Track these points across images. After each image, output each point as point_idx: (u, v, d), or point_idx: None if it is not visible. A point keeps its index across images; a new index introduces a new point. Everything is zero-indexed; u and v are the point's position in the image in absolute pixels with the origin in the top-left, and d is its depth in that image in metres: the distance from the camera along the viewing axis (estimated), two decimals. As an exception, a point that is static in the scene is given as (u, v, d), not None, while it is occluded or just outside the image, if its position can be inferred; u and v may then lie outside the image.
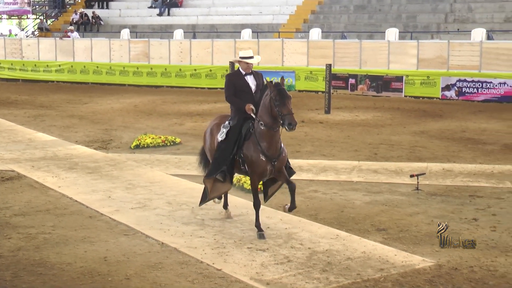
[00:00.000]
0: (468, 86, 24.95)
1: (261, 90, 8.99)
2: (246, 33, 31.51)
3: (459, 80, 25.06)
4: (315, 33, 30.08)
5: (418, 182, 11.61)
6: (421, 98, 25.47)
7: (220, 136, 9.16)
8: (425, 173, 12.21)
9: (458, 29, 30.21)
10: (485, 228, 9.34)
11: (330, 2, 35.12)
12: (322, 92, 24.46)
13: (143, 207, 10.53)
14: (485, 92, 24.49)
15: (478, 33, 26.74)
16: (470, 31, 27.76)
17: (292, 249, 8.47)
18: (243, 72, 9.25)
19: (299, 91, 27.94)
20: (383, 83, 26.60)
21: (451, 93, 25.18)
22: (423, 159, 14.17)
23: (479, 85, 24.72)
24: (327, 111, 21.61)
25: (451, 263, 7.88)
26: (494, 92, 24.42)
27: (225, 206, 9.98)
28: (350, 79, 27.34)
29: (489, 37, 26.88)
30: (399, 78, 26.25)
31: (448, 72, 25.45)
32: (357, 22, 33.29)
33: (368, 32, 31.76)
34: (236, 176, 12.02)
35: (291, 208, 9.10)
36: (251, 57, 9.16)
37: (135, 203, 10.78)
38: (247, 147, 8.95)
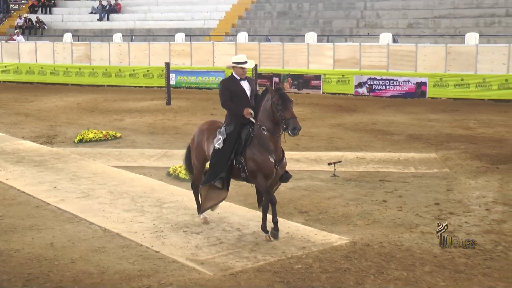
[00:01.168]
0: (378, 83, 25.44)
1: (260, 95, 8.15)
2: (180, 37, 31.30)
3: (370, 78, 25.53)
4: (242, 36, 30.10)
5: (335, 169, 11.78)
6: (337, 95, 25.84)
7: (217, 144, 8.22)
8: (341, 161, 12.38)
9: (368, 34, 30.76)
10: (393, 208, 9.55)
11: (255, 9, 35.24)
12: (249, 89, 24.55)
13: (87, 197, 10.35)
14: (392, 89, 25.02)
15: (386, 37, 27.30)
16: (379, 35, 28.33)
17: (223, 231, 8.48)
18: (238, 78, 8.36)
19: (229, 89, 27.91)
20: (303, 81, 26.86)
21: (363, 90, 25.63)
22: (339, 149, 14.37)
23: (387, 82, 25.24)
24: (254, 107, 21.65)
25: (364, 240, 8.03)
26: (400, 89, 24.98)
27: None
28: (274, 78, 27.44)
29: (394, 41, 27.47)
30: (317, 77, 26.56)
31: (360, 71, 25.88)
32: (279, 26, 33.50)
33: (289, 35, 31.99)
34: (172, 166, 12.02)
35: (274, 222, 8.04)
36: (245, 62, 8.35)
37: (79, 193, 10.59)
38: (251, 151, 8.02)
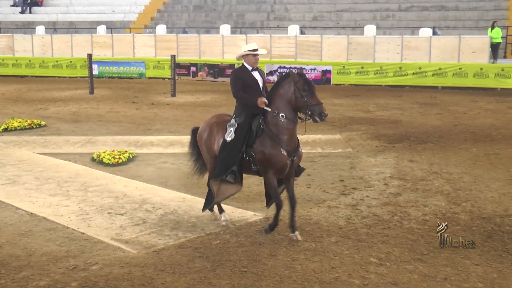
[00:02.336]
0: (287, 71, 25.68)
1: (278, 81, 7.27)
2: (101, 29, 30.54)
3: (280, 67, 25.73)
4: (161, 29, 29.68)
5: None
6: (250, 82, 25.91)
7: (229, 136, 7.27)
8: (254, 144, 12.42)
9: (278, 26, 30.99)
10: (302, 186, 9.69)
11: (173, 3, 34.81)
12: (169, 78, 24.35)
13: (13, 183, 9.95)
14: (300, 76, 25.33)
15: (294, 29, 27.60)
16: (287, 27, 28.62)
17: (146, 212, 8.37)
18: (249, 68, 7.44)
19: (149, 78, 27.55)
20: (219, 70, 26.77)
21: (274, 78, 25.79)
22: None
23: (296, 71, 25.50)
24: (173, 95, 21.45)
25: (276, 216, 8.10)
26: (307, 76, 25.29)
27: (221, 210, 7.93)
28: (191, 67, 27.25)
29: (301, 32, 27.80)
30: (232, 66, 26.48)
31: (271, 60, 26.04)
32: (196, 19, 33.26)
33: (205, 28, 31.83)
34: (96, 152, 11.75)
35: (292, 226, 7.25)
36: (256, 50, 7.44)
37: (5, 179, 10.17)
38: (262, 144, 7.09)
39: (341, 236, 7.30)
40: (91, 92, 22.34)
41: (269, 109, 7.10)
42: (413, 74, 23.92)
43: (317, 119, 6.96)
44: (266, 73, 25.88)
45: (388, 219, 7.95)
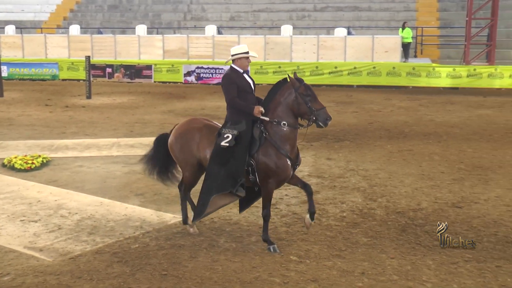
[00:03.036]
0: (205, 72, 25.64)
1: (274, 87, 6.91)
2: (10, 29, 29.44)
3: (198, 67, 25.66)
4: (75, 29, 28.93)
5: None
6: (167, 83, 25.69)
7: (226, 142, 6.76)
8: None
9: (195, 26, 30.88)
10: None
11: (86, 2, 33.99)
12: (84, 80, 23.75)
13: None
14: (218, 76, 25.31)
15: (211, 29, 27.59)
16: (204, 27, 28.56)
17: (62, 217, 8.13)
18: (241, 71, 7.04)
19: (63, 80, 26.78)
20: (135, 71, 26.37)
21: (192, 78, 25.72)
22: (171, 134, 14.29)
23: (214, 71, 25.52)
24: (89, 97, 20.94)
25: (196, 217, 8.06)
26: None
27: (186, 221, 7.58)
28: (107, 69, 26.70)
29: (219, 32, 27.83)
30: (148, 67, 26.21)
31: (189, 61, 25.92)
32: (111, 19, 32.62)
33: (121, 28, 31.28)
34: (7, 157, 11.30)
35: (311, 212, 7.02)
36: (247, 52, 7.07)
37: None
38: (266, 153, 6.74)
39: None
40: (1, 95, 21.47)
41: (266, 119, 6.81)
42: (329, 73, 24.44)
43: (322, 124, 6.69)
44: (184, 73, 25.75)
45: (307, 217, 8.07)
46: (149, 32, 29.12)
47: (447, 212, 8.25)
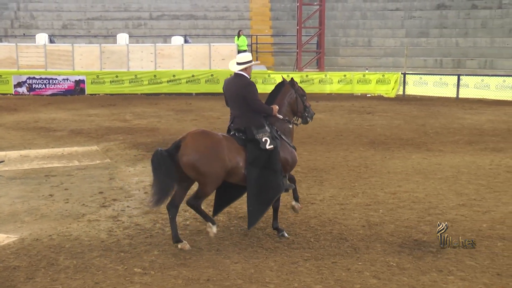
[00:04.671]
0: (37, 82, 24.47)
1: (275, 89, 7.74)
2: None
3: (29, 78, 24.44)
4: None
5: None
6: (-4, 95, 24.19)
7: (270, 145, 7.21)
8: (4, 161, 11.65)
9: (24, 34, 29.37)
10: (59, 201, 9.29)
11: None
12: None
13: None
14: (52, 87, 24.33)
15: (42, 37, 26.41)
16: (35, 35, 27.27)
17: None
18: (249, 77, 7.55)
19: None
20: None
21: (23, 89, 24.44)
22: (2, 148, 13.47)
23: (47, 81, 24.44)
24: None
25: (32, 235, 7.64)
26: (60, 87, 24.42)
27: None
28: None
29: (51, 41, 26.74)
30: (-27, 78, 24.50)
31: (19, 71, 24.61)
32: None
33: None
34: None
35: (297, 198, 8.01)
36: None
37: None
38: (283, 149, 7.47)
39: (104, 250, 7.15)
40: None
41: (281, 116, 7.60)
42: (168, 81, 24.44)
43: (309, 119, 7.93)
44: (15, 84, 24.40)
45: (150, 228, 7.99)
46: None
47: (287, 214, 8.57)
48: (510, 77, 23.59)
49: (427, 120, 18.06)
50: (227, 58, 24.93)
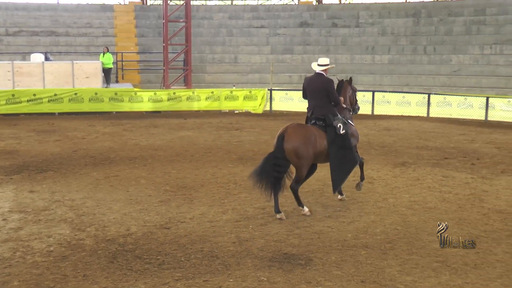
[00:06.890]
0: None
1: (337, 87, 10.09)
2: None
3: None
4: None
5: None
6: None
7: (343, 129, 9.44)
8: None
9: None
10: None
11: None
12: None
13: None
14: None
15: None
16: None
17: None
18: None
19: None
20: None
21: None
22: None
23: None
24: None
25: None
26: None
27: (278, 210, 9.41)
28: None
29: None
30: None
31: None
32: None
33: None
34: None
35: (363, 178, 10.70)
36: None
37: None
38: (351, 129, 9.91)
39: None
40: None
41: (346, 106, 10.10)
42: (28, 101, 23.31)
43: (357, 111, 10.69)
44: None
45: (10, 257, 7.54)
46: None
47: (156, 234, 8.46)
48: (369, 92, 24.96)
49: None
50: (91, 76, 24.31)
